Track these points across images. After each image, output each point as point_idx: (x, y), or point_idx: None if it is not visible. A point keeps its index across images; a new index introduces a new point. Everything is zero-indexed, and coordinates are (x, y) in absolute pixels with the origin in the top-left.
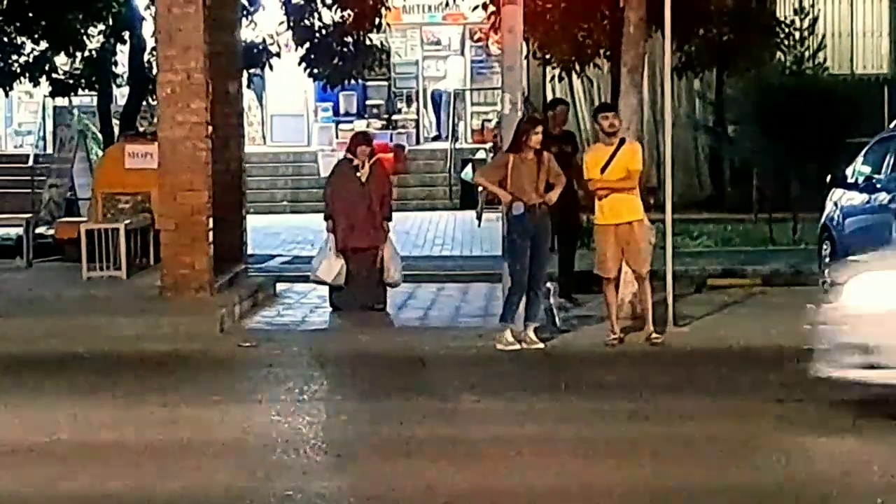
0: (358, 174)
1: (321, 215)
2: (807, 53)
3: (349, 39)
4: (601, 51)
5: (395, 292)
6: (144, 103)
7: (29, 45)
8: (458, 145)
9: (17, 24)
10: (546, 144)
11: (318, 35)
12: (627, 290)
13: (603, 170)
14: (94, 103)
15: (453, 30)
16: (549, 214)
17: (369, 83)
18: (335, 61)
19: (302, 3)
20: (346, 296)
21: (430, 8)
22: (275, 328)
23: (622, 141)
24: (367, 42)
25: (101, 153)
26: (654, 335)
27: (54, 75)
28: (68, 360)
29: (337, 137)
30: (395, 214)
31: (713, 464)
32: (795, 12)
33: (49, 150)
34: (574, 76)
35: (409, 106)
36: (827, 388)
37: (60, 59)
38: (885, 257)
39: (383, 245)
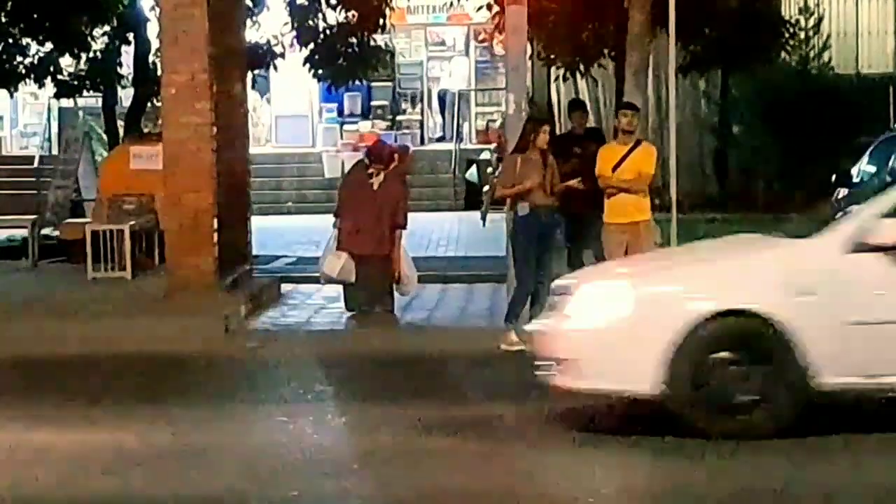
0: (370, 180)
1: (326, 216)
2: (812, 53)
3: (353, 40)
4: (606, 51)
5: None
6: (149, 104)
7: (34, 47)
8: (462, 146)
9: (23, 26)
10: (570, 146)
11: (322, 36)
12: None
13: (615, 168)
14: (99, 104)
15: (458, 30)
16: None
17: (374, 84)
18: (340, 62)
19: (306, 3)
20: (356, 297)
21: (434, 9)
22: (280, 329)
23: (638, 142)
24: (372, 43)
25: (105, 154)
26: None
27: (59, 77)
28: (73, 362)
29: (342, 138)
30: None
31: (715, 465)
32: (800, 12)
33: (54, 152)
34: (579, 77)
35: (413, 106)
36: None
37: (65, 61)
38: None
39: (395, 254)
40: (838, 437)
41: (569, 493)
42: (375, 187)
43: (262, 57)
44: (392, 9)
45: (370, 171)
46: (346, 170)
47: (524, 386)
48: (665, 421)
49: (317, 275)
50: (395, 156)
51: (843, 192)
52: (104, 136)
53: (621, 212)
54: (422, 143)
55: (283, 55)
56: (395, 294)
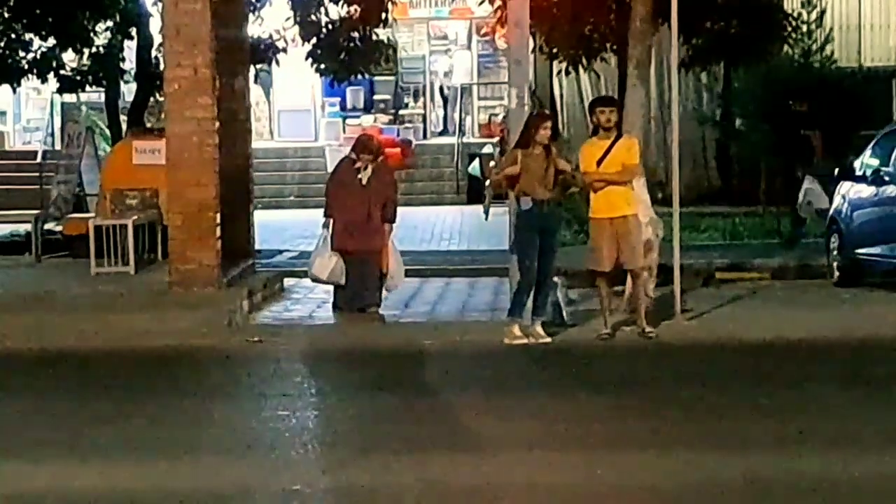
0: (359, 176)
1: None
2: (814, 46)
3: (356, 34)
4: (608, 45)
5: (403, 287)
6: (152, 99)
7: (37, 42)
8: (464, 140)
9: (25, 21)
10: None
11: (324, 30)
12: (650, 284)
13: (599, 163)
14: (102, 99)
15: (460, 24)
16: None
17: (376, 78)
18: (342, 56)
19: None
20: (346, 297)
21: (436, 3)
22: (282, 323)
23: (619, 136)
24: (374, 37)
25: (109, 149)
26: (647, 329)
27: (62, 72)
28: (77, 356)
29: (344, 132)
30: (402, 209)
31: (721, 460)
32: (803, 5)
33: (57, 147)
34: (581, 70)
35: (415, 101)
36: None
37: (68, 56)
38: None
39: (385, 248)
40: None
41: (568, 485)
42: (364, 182)
43: (265, 52)
44: (394, 3)
45: (357, 165)
46: (333, 167)
47: (528, 379)
48: None
49: None
50: (383, 149)
51: (846, 184)
52: (107, 131)
53: (608, 206)
54: (424, 137)
55: (285, 50)
56: (386, 290)
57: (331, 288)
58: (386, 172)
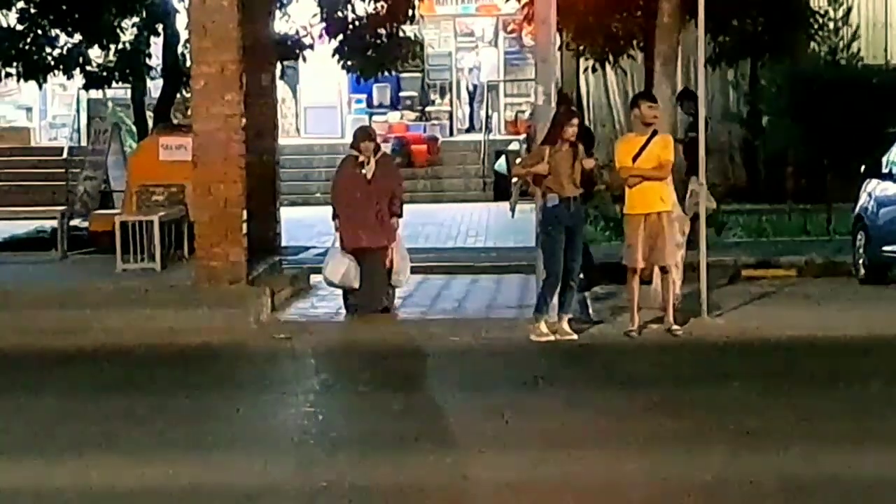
0: (363, 171)
1: None
2: (841, 43)
3: (383, 31)
4: (635, 42)
5: (430, 284)
6: (178, 95)
7: (63, 38)
8: (491, 137)
9: (51, 17)
10: None
11: (351, 27)
12: (677, 282)
13: (635, 159)
14: (128, 96)
15: (487, 21)
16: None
17: (403, 75)
18: (369, 53)
19: None
20: (358, 297)
21: None
22: (308, 320)
23: (654, 132)
24: (401, 34)
25: (135, 145)
26: (674, 327)
27: (88, 68)
28: (103, 353)
29: None
30: (429, 206)
31: (748, 457)
32: (829, 2)
33: (83, 143)
34: (608, 68)
35: (442, 97)
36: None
37: (94, 52)
38: None
39: (393, 244)
40: None
41: (590, 482)
42: (369, 177)
43: (292, 48)
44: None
45: (360, 159)
46: (336, 168)
47: (555, 376)
48: None
49: None
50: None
51: (872, 182)
52: (133, 128)
53: (642, 202)
54: (451, 133)
55: (312, 46)
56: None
57: None
58: (390, 165)
